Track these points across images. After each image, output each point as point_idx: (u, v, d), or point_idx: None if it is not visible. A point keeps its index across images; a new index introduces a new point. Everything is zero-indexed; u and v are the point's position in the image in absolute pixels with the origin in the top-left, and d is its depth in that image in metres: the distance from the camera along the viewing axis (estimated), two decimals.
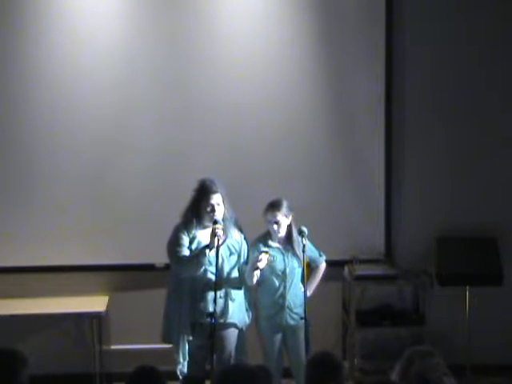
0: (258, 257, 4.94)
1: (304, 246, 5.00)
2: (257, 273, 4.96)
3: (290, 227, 5.11)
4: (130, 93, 5.90)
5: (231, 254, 5.01)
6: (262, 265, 4.94)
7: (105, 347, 6.05)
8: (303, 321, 5.00)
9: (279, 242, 5.13)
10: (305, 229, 5.05)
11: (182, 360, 4.93)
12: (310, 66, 5.96)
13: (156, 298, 5.76)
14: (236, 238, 5.04)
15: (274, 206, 5.06)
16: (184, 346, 4.91)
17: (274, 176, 5.96)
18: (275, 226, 5.07)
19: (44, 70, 5.84)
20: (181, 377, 4.97)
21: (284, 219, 5.08)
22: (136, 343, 6.03)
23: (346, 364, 6.02)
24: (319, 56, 5.95)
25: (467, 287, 5.89)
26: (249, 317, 5.09)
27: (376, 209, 6.09)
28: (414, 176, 6.14)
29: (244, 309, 5.07)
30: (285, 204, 5.07)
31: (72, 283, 5.98)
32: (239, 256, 5.05)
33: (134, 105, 5.91)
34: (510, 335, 6.16)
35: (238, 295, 5.03)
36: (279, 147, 6.00)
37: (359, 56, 5.96)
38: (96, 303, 5.90)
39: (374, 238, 6.09)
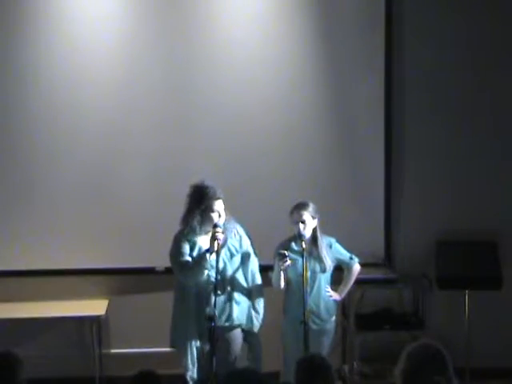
0: (280, 260, 4.91)
1: (303, 249, 4.98)
2: (282, 275, 4.96)
3: (315, 230, 5.07)
4: (131, 97, 5.89)
5: (232, 255, 4.97)
6: (283, 266, 4.91)
7: (105, 351, 6.05)
8: (328, 326, 5.04)
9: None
10: (304, 233, 5.03)
11: (191, 366, 4.92)
12: (309, 67, 5.95)
13: (156, 302, 5.78)
14: (235, 235, 4.97)
15: (300, 206, 5.03)
16: (192, 352, 4.91)
17: (273, 179, 5.96)
18: (301, 226, 5.00)
19: (44, 73, 5.84)
20: (191, 383, 4.95)
21: (310, 220, 5.04)
22: (136, 347, 6.03)
23: (346, 367, 6.05)
24: (319, 58, 5.94)
25: (466, 291, 5.89)
26: (257, 319, 5.03)
27: (376, 212, 6.09)
28: (413, 180, 6.13)
29: (250, 311, 5.02)
30: (311, 205, 5.04)
31: (72, 287, 5.98)
32: (242, 254, 5.00)
33: (134, 109, 5.91)
34: (509, 339, 6.16)
35: (242, 298, 4.99)
36: (279, 151, 5.98)
37: (359, 57, 5.95)
38: (96, 307, 5.90)
39: (374, 242, 6.08)
